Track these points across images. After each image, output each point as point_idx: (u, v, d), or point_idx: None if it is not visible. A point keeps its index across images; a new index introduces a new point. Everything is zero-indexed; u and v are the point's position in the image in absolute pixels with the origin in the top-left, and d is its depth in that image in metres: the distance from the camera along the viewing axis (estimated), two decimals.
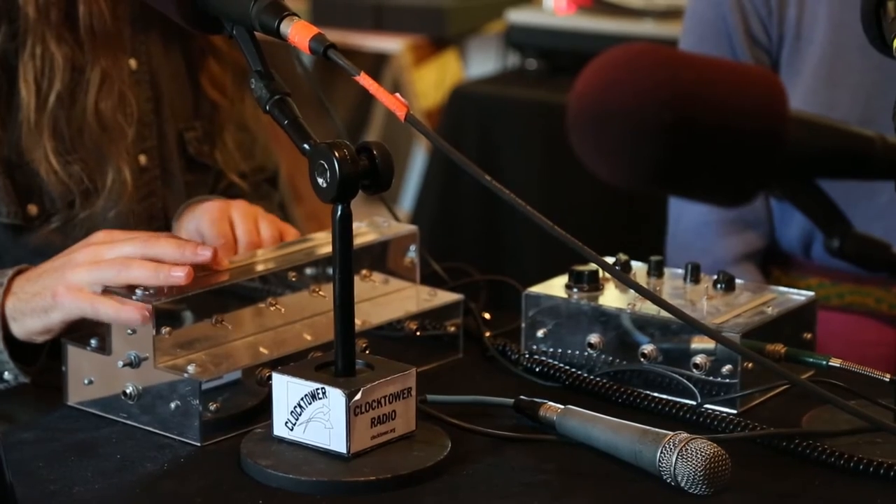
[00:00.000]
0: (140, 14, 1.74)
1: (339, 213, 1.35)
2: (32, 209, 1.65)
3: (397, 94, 1.31)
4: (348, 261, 1.36)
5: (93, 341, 1.48)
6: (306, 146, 1.37)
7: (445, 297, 1.65)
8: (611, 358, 1.55)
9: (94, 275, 1.47)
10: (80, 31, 1.67)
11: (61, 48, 1.64)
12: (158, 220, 1.76)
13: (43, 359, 1.57)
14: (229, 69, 1.82)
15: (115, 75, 1.69)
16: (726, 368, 1.49)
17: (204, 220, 1.68)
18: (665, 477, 1.32)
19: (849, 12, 1.92)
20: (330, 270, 1.53)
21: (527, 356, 1.59)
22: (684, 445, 1.31)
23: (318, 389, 1.35)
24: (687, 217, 2.06)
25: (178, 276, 1.44)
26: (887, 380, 1.47)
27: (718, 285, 1.58)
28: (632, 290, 1.57)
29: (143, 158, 1.74)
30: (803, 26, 1.98)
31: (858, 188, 1.94)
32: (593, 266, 1.57)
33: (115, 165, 1.69)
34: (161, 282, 1.45)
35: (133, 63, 1.74)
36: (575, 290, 1.58)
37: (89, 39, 1.67)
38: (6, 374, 1.55)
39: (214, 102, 1.82)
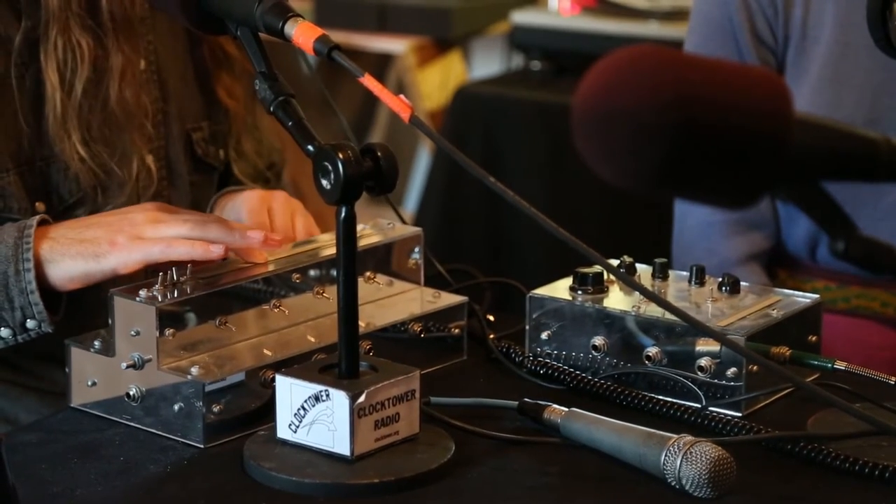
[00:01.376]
0: (149, 15, 1.74)
1: (343, 214, 1.35)
2: (40, 206, 1.65)
3: (401, 96, 1.31)
4: (352, 262, 1.36)
5: (96, 343, 1.48)
6: (310, 147, 1.37)
7: (449, 298, 1.65)
8: (615, 360, 1.55)
9: (161, 230, 1.51)
10: (103, 16, 1.67)
11: (84, 36, 1.64)
12: None
13: (62, 311, 1.57)
14: (244, 77, 1.82)
15: (135, 63, 1.70)
16: (731, 371, 1.48)
17: (244, 208, 1.71)
18: (669, 480, 1.32)
19: (855, 12, 1.92)
20: (334, 272, 1.53)
21: (531, 358, 1.59)
22: (689, 448, 1.31)
23: (321, 391, 1.35)
24: (692, 218, 2.05)
25: (217, 251, 1.50)
26: (892, 383, 1.47)
27: (723, 287, 1.58)
28: (636, 293, 1.57)
29: (149, 158, 1.74)
30: (809, 26, 1.97)
31: (864, 190, 1.94)
32: (598, 268, 1.57)
33: (139, 154, 1.70)
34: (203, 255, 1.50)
35: (142, 63, 1.74)
36: (579, 292, 1.58)
37: (112, 26, 1.67)
38: (29, 322, 1.55)
39: (230, 110, 1.83)
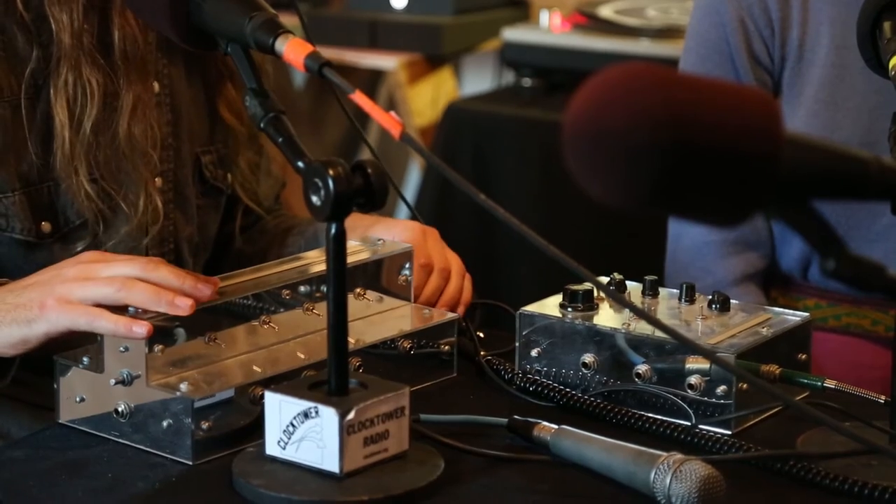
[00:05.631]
0: (165, 38, 1.74)
1: (333, 231, 1.35)
2: (46, 226, 1.65)
3: (392, 113, 1.31)
4: (342, 279, 1.36)
5: (85, 359, 1.47)
6: (300, 164, 1.37)
7: (440, 315, 1.65)
8: (605, 378, 1.55)
9: (90, 290, 1.44)
10: (115, 56, 1.66)
11: (95, 74, 1.63)
12: (169, 242, 1.75)
13: (12, 373, 1.55)
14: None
15: (145, 100, 1.69)
16: (721, 389, 1.48)
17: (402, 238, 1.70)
18: (659, 498, 1.32)
19: (851, 35, 1.91)
20: (324, 288, 1.53)
21: (521, 375, 1.58)
22: (678, 466, 1.31)
23: (310, 408, 1.35)
24: (687, 237, 2.05)
25: (183, 305, 1.43)
26: (882, 401, 1.47)
27: (713, 305, 1.58)
28: (626, 310, 1.57)
29: (158, 181, 1.74)
30: (806, 48, 1.97)
31: (859, 211, 1.94)
32: (588, 285, 1.57)
33: (146, 190, 1.68)
34: (163, 308, 1.43)
35: (156, 86, 1.74)
36: (569, 309, 1.58)
37: (123, 65, 1.66)
38: None
39: (230, 127, 1.82)
